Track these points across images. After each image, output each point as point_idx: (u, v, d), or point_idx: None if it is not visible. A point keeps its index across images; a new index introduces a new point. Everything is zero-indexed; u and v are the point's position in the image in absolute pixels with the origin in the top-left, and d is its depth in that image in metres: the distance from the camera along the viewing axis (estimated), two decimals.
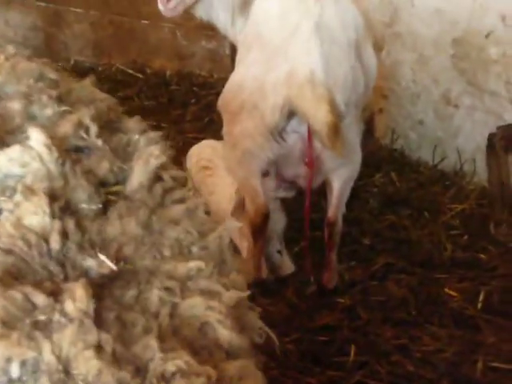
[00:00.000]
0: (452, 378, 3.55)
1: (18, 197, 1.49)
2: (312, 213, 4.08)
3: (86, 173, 1.61)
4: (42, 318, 1.28)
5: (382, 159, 5.61)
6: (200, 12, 4.23)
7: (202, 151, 4.57)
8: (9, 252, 1.40)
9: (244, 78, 3.77)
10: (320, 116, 3.43)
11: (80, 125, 1.73)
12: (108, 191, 1.63)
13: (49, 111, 1.80)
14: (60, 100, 1.86)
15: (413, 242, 4.59)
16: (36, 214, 1.46)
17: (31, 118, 1.78)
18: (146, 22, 7.05)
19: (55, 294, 1.33)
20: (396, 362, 3.64)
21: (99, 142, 1.73)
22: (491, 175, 4.83)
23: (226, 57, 6.87)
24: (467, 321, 3.92)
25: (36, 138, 1.59)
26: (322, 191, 4.10)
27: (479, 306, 4.00)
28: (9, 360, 1.21)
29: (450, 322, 3.89)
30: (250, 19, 3.85)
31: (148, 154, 1.76)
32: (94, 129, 1.75)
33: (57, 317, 1.29)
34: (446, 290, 4.14)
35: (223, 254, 1.65)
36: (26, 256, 1.41)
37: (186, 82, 6.92)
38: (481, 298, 4.05)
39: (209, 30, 6.86)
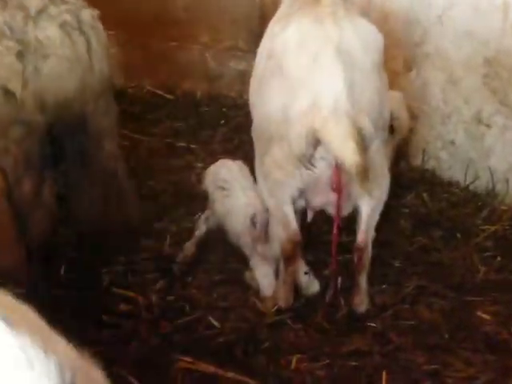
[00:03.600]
0: None
1: None
2: (342, 235, 4.07)
3: None
4: None
5: (413, 180, 5.57)
6: None
7: (219, 171, 4.59)
8: None
9: (268, 110, 3.77)
10: (347, 156, 3.41)
11: None
12: None
13: None
14: None
15: (445, 265, 4.55)
16: None
17: None
18: (174, 43, 7.07)
19: None
20: None
21: None
22: None
23: None
24: (501, 345, 3.86)
25: None
26: (353, 213, 4.05)
27: None
28: None
29: (484, 347, 3.83)
30: (273, 53, 3.83)
31: None
32: None
33: None
34: (479, 313, 4.08)
35: None
36: None
37: (215, 104, 6.93)
38: None
39: (237, 50, 6.89)
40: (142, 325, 3.91)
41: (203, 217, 4.68)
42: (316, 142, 3.59)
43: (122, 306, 4.05)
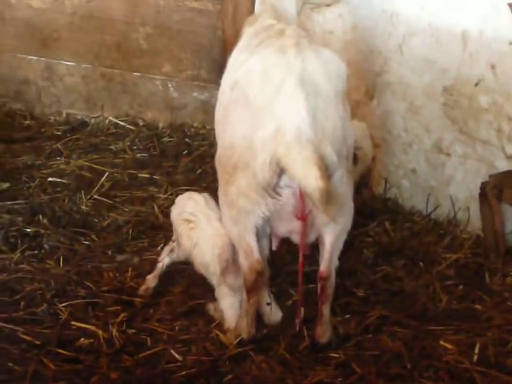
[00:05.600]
0: None
1: None
2: (305, 265, 4.05)
3: None
4: None
5: (375, 209, 5.58)
6: None
7: (185, 203, 4.57)
8: None
9: (233, 138, 3.77)
10: (310, 182, 3.39)
11: None
12: None
13: None
14: None
15: (407, 294, 4.54)
16: None
17: None
18: (137, 74, 7.08)
19: None
20: None
21: None
22: (485, 224, 4.80)
23: None
24: (463, 374, 3.83)
25: None
26: (316, 243, 4.04)
27: (475, 358, 3.92)
28: None
29: (446, 376, 3.80)
30: (237, 83, 3.84)
31: None
32: None
33: None
34: (442, 342, 4.06)
35: None
36: None
37: (178, 134, 6.93)
38: (476, 350, 3.97)
39: (200, 80, 6.90)
40: (103, 359, 3.86)
41: (167, 249, 4.65)
42: (280, 170, 3.59)
43: (82, 340, 4.00)
